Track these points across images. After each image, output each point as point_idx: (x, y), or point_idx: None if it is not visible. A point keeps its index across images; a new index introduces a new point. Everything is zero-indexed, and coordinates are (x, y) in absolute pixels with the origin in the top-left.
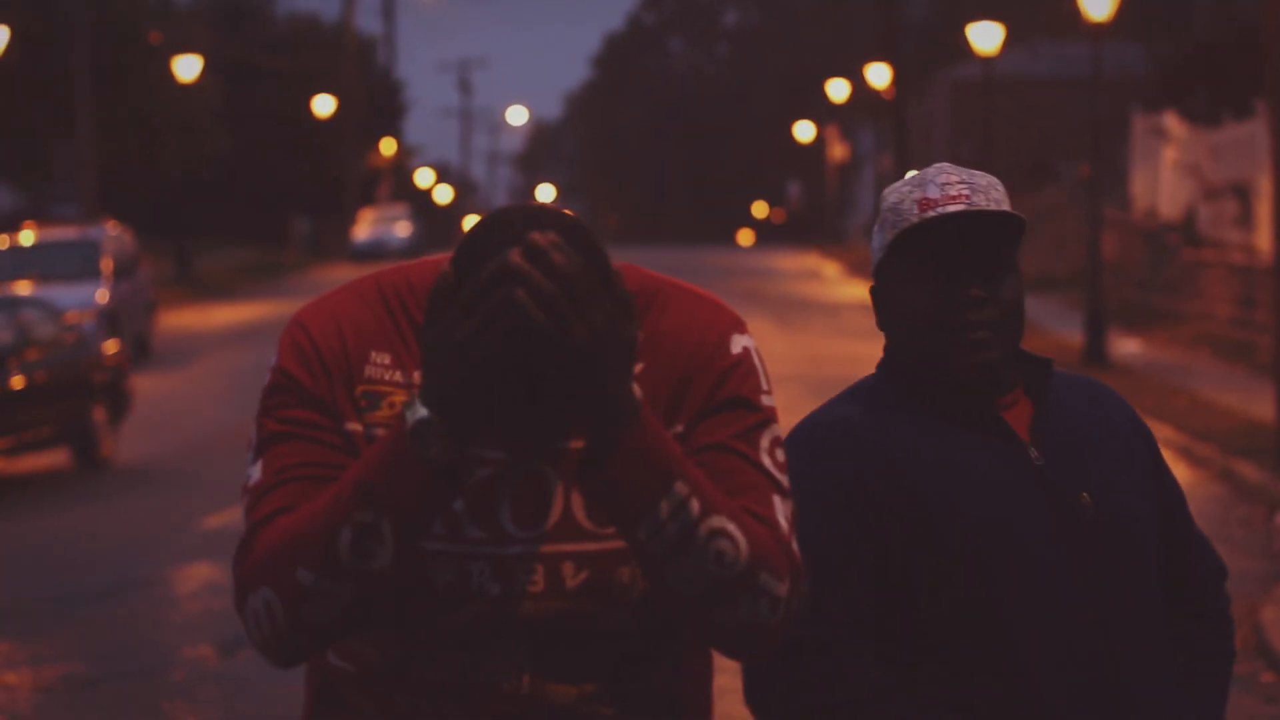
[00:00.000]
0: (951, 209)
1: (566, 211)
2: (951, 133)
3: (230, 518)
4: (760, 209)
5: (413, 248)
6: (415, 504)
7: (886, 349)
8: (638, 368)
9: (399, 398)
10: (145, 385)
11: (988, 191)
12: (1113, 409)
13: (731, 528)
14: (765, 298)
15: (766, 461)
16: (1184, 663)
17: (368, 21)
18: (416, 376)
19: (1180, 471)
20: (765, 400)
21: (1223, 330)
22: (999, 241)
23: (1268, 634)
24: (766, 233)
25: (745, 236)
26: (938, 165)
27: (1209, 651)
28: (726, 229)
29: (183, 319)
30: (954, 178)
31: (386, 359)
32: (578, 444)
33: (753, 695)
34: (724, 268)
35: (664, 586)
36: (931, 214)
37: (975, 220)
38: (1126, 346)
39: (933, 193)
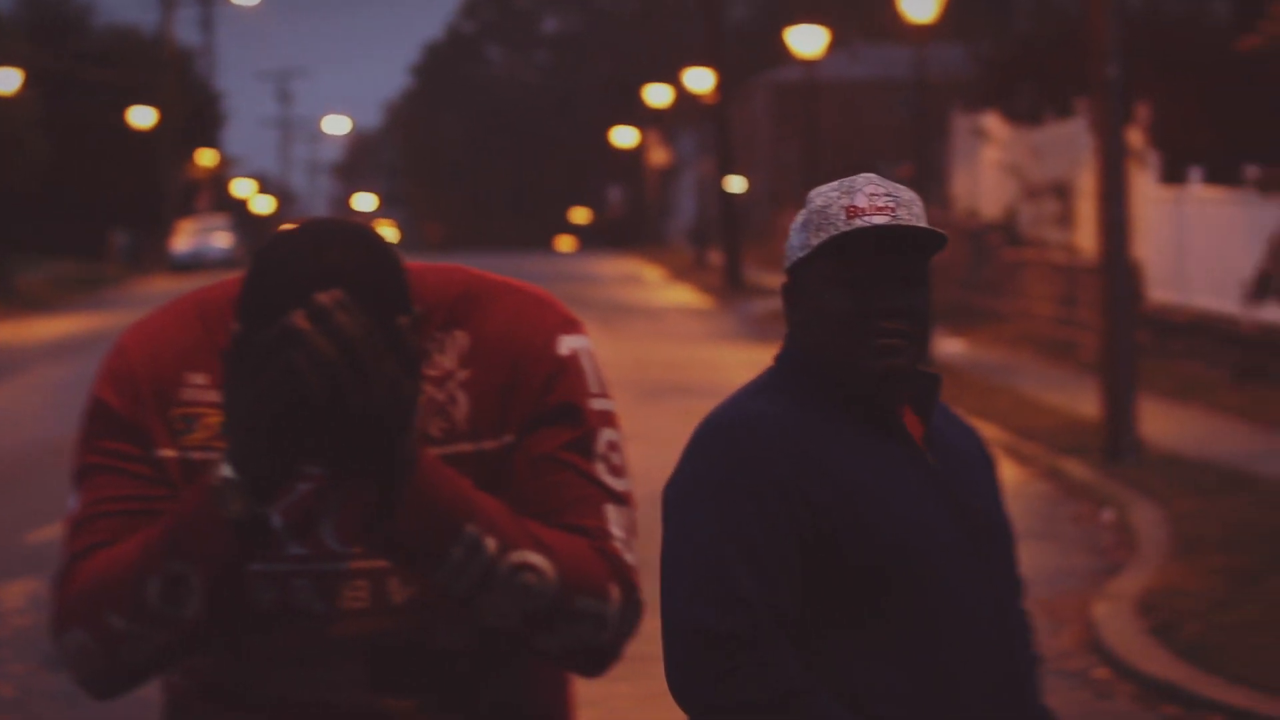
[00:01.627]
0: (878, 220)
1: (360, 222)
2: (774, 135)
3: (53, 533)
4: (581, 215)
5: (235, 259)
6: (221, 556)
7: (789, 346)
8: (464, 374)
9: (214, 418)
10: None
11: (910, 206)
12: (965, 428)
13: (535, 559)
14: (588, 302)
15: (599, 469)
16: None
17: (187, 33)
18: None
19: (1007, 469)
20: (596, 404)
21: (1045, 329)
22: (917, 255)
23: (1100, 630)
24: (588, 238)
25: (565, 242)
26: (865, 175)
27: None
28: (549, 236)
29: (2, 333)
30: (880, 189)
31: (202, 379)
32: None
33: (676, 687)
34: (546, 273)
35: (480, 620)
36: (859, 222)
37: (899, 233)
38: (950, 346)
39: (860, 201)
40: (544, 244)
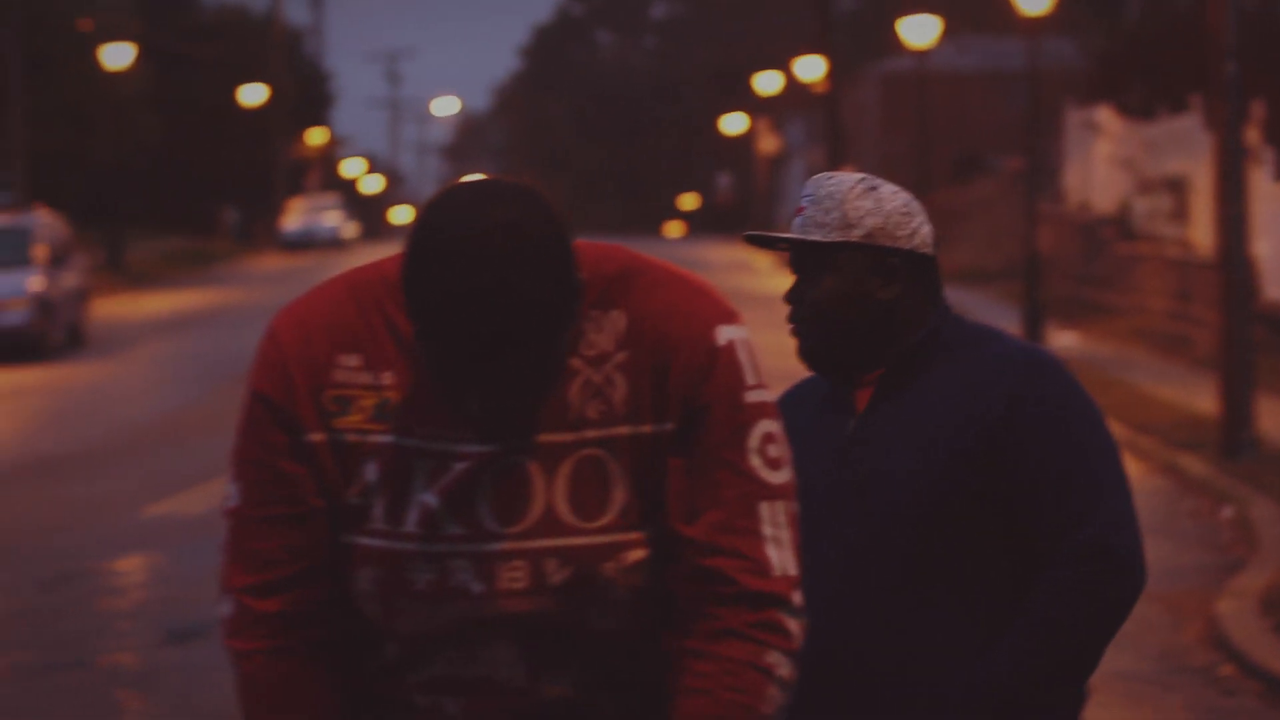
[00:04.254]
0: (795, 220)
1: (525, 183)
2: (882, 125)
3: (171, 506)
4: (689, 201)
5: (344, 240)
6: None
7: None
8: (622, 356)
9: (368, 400)
10: (79, 374)
11: (822, 202)
12: (977, 388)
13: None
14: None
15: (755, 464)
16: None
17: (296, 12)
18: (385, 378)
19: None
20: (752, 396)
21: (1158, 324)
22: (812, 250)
23: (1224, 626)
24: (696, 224)
25: (674, 228)
26: (817, 176)
27: (1027, 612)
28: (656, 221)
29: (115, 307)
30: (808, 190)
31: (355, 360)
32: (550, 437)
33: None
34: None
35: None
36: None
37: (795, 238)
38: (1063, 340)
39: (800, 202)
40: (651, 230)
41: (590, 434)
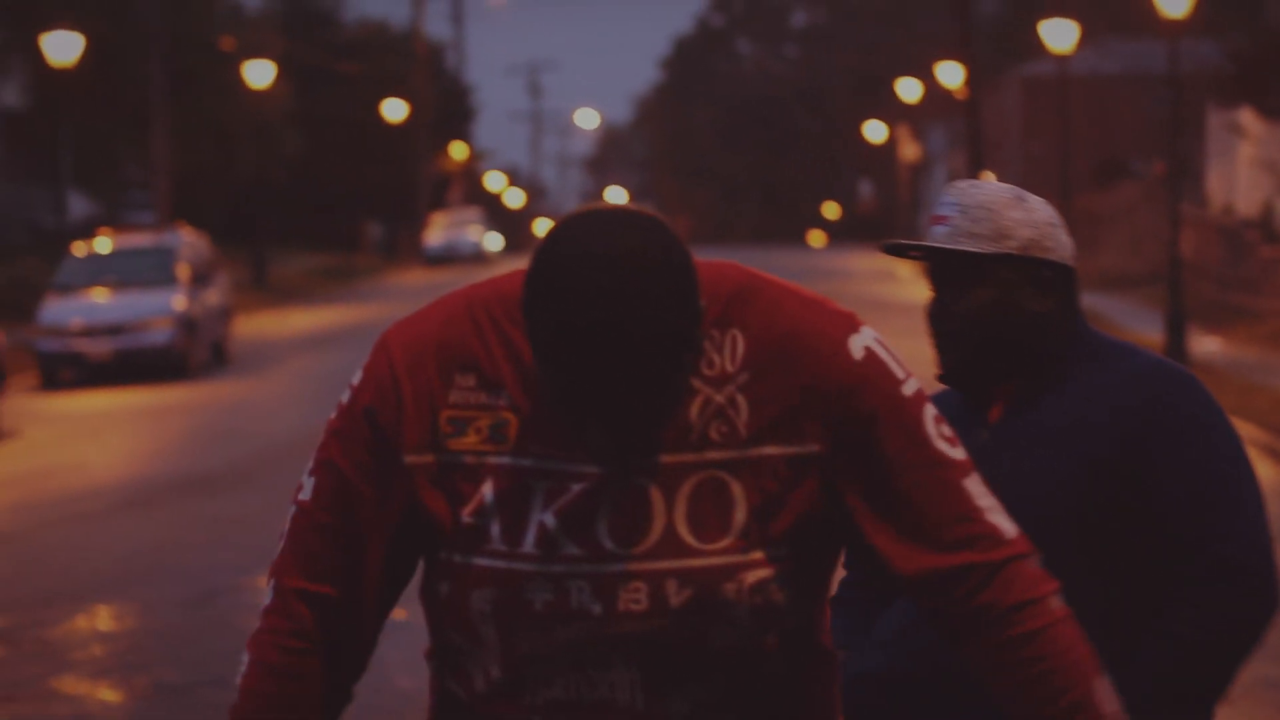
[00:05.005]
0: (935, 229)
1: (644, 211)
2: (1024, 130)
3: None
4: (831, 210)
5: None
6: None
7: None
8: (744, 377)
9: (484, 421)
10: (222, 392)
11: (972, 212)
12: (1113, 401)
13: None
14: (839, 299)
15: (941, 448)
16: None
17: (437, 26)
18: (501, 398)
19: (1266, 469)
20: (908, 389)
21: None
22: (961, 261)
23: None
24: (838, 233)
25: (816, 238)
26: (957, 184)
27: (1158, 630)
28: (798, 230)
29: (258, 325)
30: (951, 198)
31: (471, 381)
32: (671, 458)
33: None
34: (797, 269)
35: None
36: (930, 231)
37: (936, 248)
38: (1206, 345)
39: (939, 210)
40: (793, 238)
41: (712, 455)
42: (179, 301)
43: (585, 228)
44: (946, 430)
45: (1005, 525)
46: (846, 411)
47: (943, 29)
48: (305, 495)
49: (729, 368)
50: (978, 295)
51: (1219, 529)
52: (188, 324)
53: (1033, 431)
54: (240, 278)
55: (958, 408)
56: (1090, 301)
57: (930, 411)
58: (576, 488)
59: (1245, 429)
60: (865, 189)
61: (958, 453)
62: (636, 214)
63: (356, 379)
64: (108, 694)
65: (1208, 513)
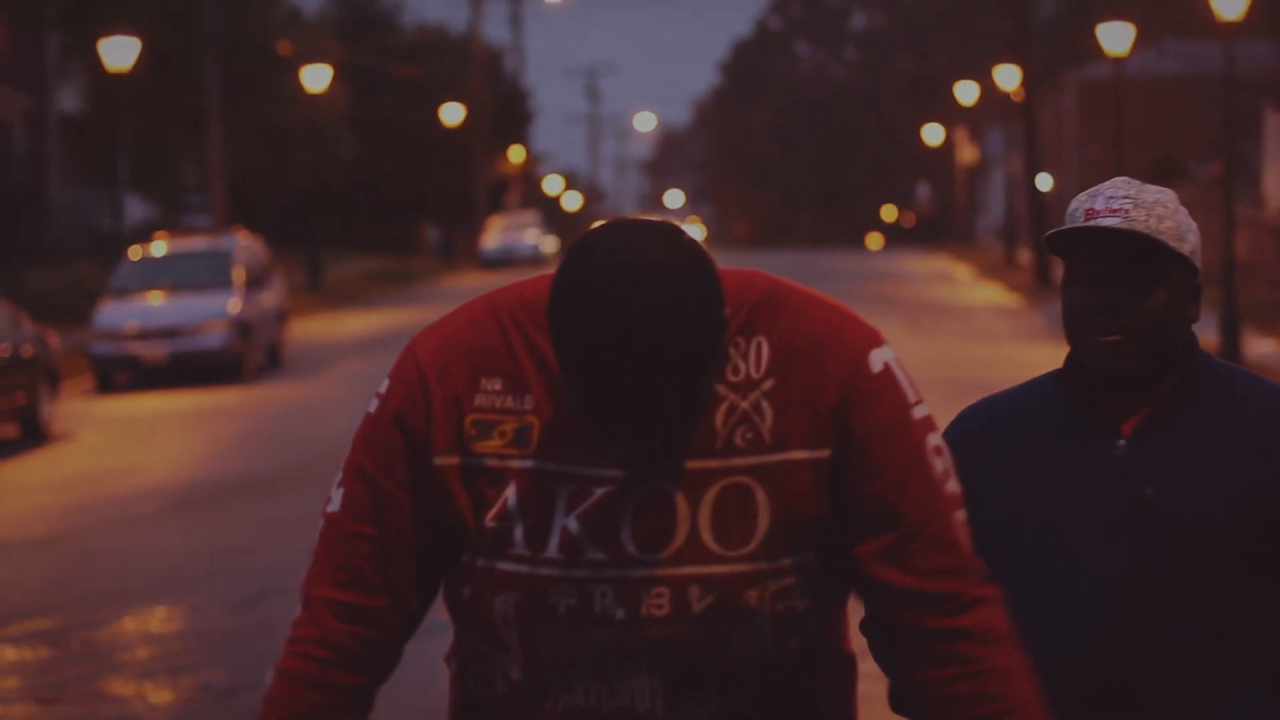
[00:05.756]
0: (1107, 222)
1: (673, 224)
2: (1081, 132)
3: None
4: (889, 212)
5: (551, 256)
6: None
7: None
8: (769, 384)
9: (509, 425)
10: (277, 395)
11: (1152, 208)
12: (1261, 420)
13: None
14: (897, 300)
15: (939, 477)
16: None
17: (495, 30)
18: (526, 401)
19: None
20: (917, 413)
21: None
22: (1153, 257)
23: None
24: (895, 236)
25: (874, 240)
26: (1116, 180)
27: None
28: (857, 233)
29: (314, 328)
30: (1121, 192)
31: (497, 384)
32: (696, 464)
33: (900, 704)
34: (854, 271)
35: None
36: (1091, 223)
37: (1110, 235)
38: (1261, 347)
39: (1099, 204)
40: (852, 241)
41: (738, 461)
42: (234, 305)
43: (610, 241)
44: (945, 463)
45: (981, 565)
46: (857, 420)
47: (1000, 31)
48: (334, 507)
49: (754, 374)
50: (1160, 295)
51: None
52: (243, 327)
53: (1181, 444)
54: (296, 281)
55: (1067, 410)
56: None
57: (933, 440)
58: (600, 492)
59: None
60: (923, 191)
61: (952, 485)
62: (660, 225)
63: (384, 387)
64: (153, 695)
65: None
